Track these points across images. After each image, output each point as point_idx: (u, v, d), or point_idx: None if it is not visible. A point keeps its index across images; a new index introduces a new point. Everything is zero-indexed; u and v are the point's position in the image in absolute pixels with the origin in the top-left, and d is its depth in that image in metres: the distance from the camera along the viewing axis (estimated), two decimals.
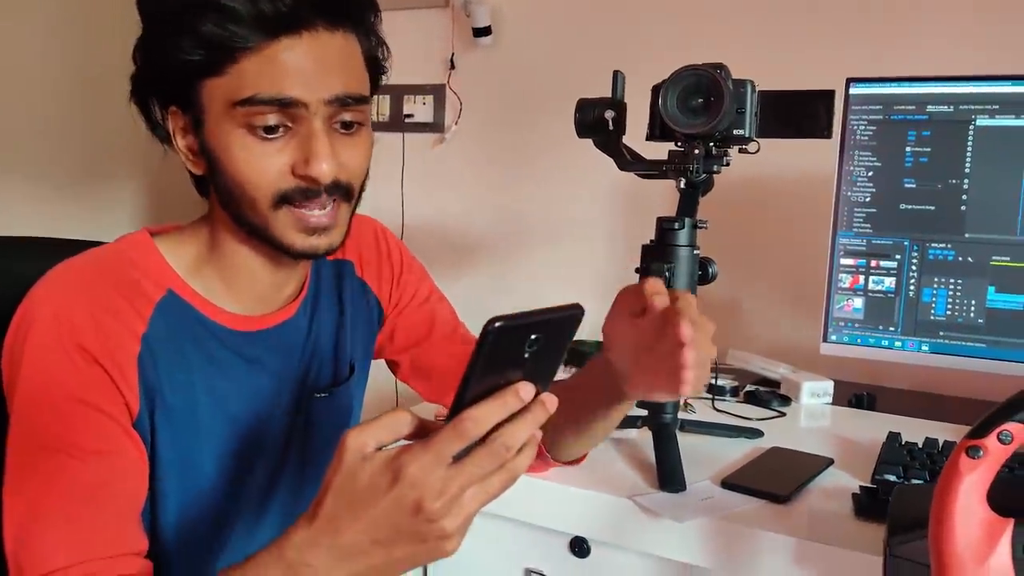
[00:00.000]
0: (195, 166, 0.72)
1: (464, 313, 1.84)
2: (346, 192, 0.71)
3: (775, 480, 0.92)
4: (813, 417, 1.24)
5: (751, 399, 1.29)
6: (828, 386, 1.29)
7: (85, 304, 0.67)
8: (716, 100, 0.88)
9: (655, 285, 0.72)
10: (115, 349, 0.67)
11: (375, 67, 0.75)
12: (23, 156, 1.93)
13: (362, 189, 0.74)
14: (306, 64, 0.66)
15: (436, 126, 1.85)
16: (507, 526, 0.97)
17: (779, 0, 1.50)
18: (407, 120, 1.86)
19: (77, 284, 0.68)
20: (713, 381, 1.31)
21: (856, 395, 1.29)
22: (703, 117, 0.89)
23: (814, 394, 1.29)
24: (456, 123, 1.82)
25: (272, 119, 0.66)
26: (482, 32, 1.73)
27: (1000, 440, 0.57)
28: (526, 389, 0.52)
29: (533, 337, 0.51)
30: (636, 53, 1.61)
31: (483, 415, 0.51)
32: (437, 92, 1.84)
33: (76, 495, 0.64)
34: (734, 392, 1.32)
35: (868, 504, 0.84)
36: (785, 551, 0.80)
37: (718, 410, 1.23)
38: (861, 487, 0.88)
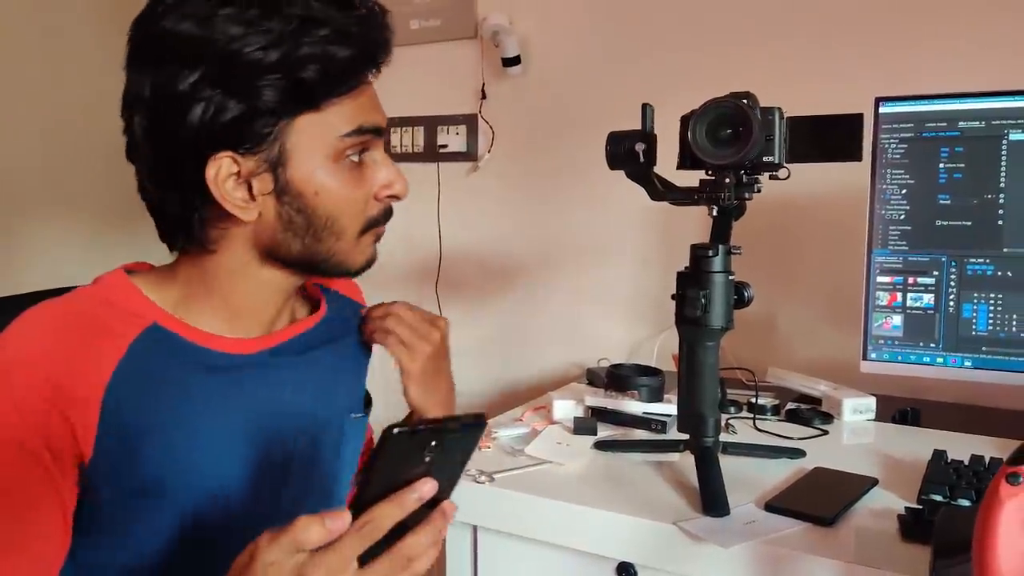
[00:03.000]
0: (246, 211, 0.70)
1: (499, 335, 1.88)
2: None
3: (819, 502, 0.92)
4: (856, 434, 1.24)
5: (792, 417, 1.29)
6: (870, 403, 1.29)
7: (53, 354, 0.66)
8: (744, 130, 0.90)
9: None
10: (81, 400, 0.66)
11: None
12: (70, 191, 1.95)
13: None
14: (375, 98, 0.75)
15: (469, 155, 1.88)
16: (553, 552, 0.99)
17: (805, 22, 1.51)
18: (441, 150, 1.90)
19: (43, 331, 0.67)
20: (753, 400, 1.31)
21: (900, 411, 1.28)
22: (732, 148, 0.91)
23: (856, 411, 1.28)
24: (489, 151, 1.86)
25: (360, 148, 0.73)
26: (511, 62, 1.77)
27: None
28: (425, 487, 0.54)
29: (433, 444, 0.53)
30: (662, 80, 1.63)
31: (382, 516, 0.53)
32: (469, 122, 1.88)
33: (10, 540, 0.65)
34: (775, 410, 1.32)
35: (914, 526, 0.84)
36: (831, 575, 0.81)
37: (759, 430, 1.24)
38: (906, 508, 0.88)
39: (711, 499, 0.92)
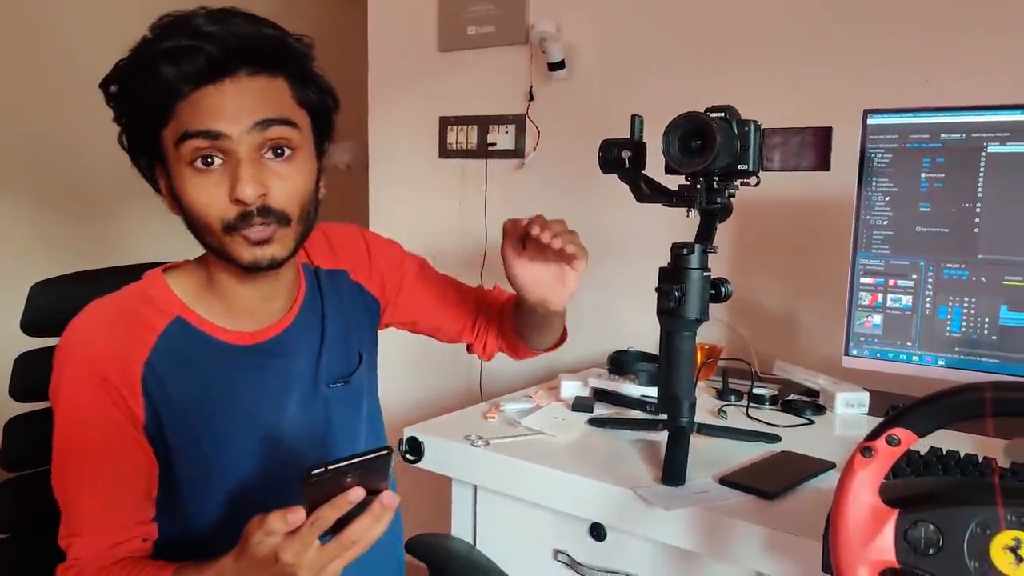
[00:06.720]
0: (175, 210, 0.85)
1: None
2: (280, 218, 0.82)
3: (769, 479, 1.02)
4: (844, 426, 1.31)
5: (787, 408, 1.37)
6: (863, 397, 1.35)
7: (105, 342, 0.85)
8: (709, 141, 1.00)
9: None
10: (126, 374, 0.84)
11: (313, 109, 0.87)
12: None
13: (307, 214, 0.85)
14: (227, 102, 0.79)
15: (517, 152, 2.02)
16: (538, 512, 1.13)
17: (808, 38, 1.58)
18: (490, 148, 2.05)
19: (99, 324, 0.86)
20: (749, 390, 1.40)
21: (892, 406, 1.34)
22: (699, 157, 1.01)
23: (848, 404, 1.35)
24: (535, 149, 1.99)
25: (204, 151, 0.79)
26: (557, 66, 1.89)
27: (888, 442, 0.67)
28: (355, 493, 0.70)
29: (350, 473, 0.70)
30: (694, 85, 1.72)
31: (324, 516, 0.70)
32: (518, 121, 2.01)
33: (97, 482, 0.85)
34: (773, 401, 1.40)
35: None
36: (760, 540, 0.91)
37: (751, 417, 1.33)
38: None
39: (669, 470, 1.03)
